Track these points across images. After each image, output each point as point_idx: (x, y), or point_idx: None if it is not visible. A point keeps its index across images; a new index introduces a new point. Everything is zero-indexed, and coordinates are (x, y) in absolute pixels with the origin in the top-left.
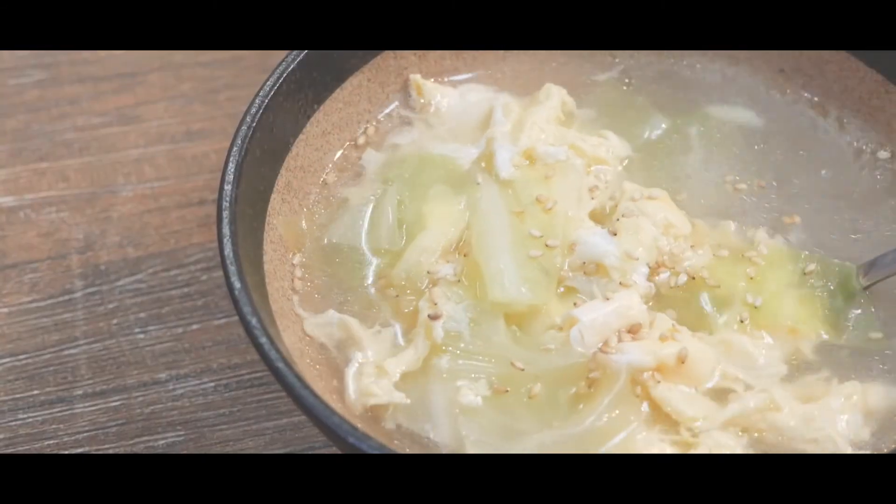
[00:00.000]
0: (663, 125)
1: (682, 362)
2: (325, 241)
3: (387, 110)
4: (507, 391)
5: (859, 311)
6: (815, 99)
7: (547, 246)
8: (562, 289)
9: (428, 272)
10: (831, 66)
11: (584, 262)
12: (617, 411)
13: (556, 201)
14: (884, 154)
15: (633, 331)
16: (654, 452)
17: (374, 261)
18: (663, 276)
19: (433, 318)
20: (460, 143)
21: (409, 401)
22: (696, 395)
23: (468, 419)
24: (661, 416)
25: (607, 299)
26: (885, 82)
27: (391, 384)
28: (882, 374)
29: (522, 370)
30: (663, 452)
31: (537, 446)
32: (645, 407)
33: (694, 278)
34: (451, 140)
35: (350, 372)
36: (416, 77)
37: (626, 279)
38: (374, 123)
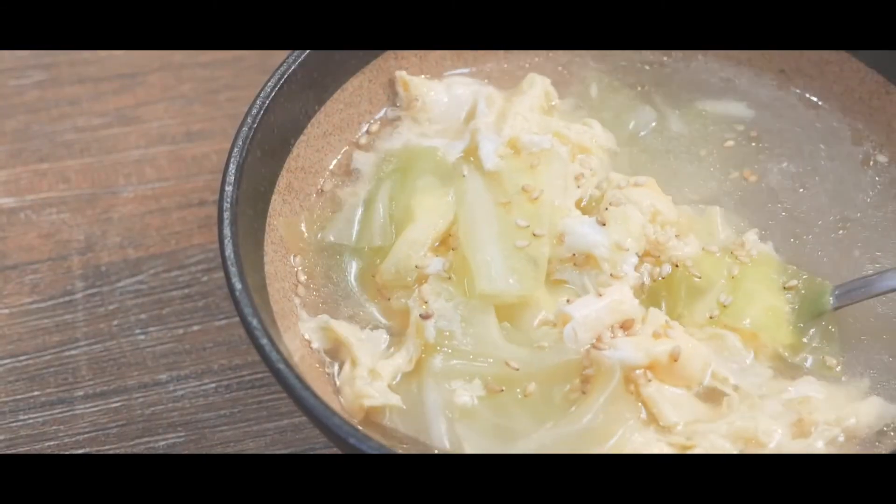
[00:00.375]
0: (653, 123)
1: (675, 360)
2: (320, 239)
3: (379, 112)
4: (502, 391)
5: (821, 333)
6: (815, 99)
7: (534, 235)
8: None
9: (417, 266)
10: (832, 67)
11: (574, 254)
12: (612, 409)
13: (542, 190)
14: (882, 158)
15: (626, 326)
16: (651, 451)
17: (367, 259)
18: (647, 266)
19: (424, 317)
20: (447, 137)
21: (403, 403)
22: (686, 397)
23: (464, 421)
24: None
25: (600, 295)
26: (886, 83)
27: (385, 386)
28: (870, 391)
29: (517, 370)
30: (660, 451)
31: (534, 447)
32: (639, 407)
33: (677, 266)
34: (439, 135)
35: (343, 375)
36: (401, 73)
37: (617, 270)
38: (368, 125)
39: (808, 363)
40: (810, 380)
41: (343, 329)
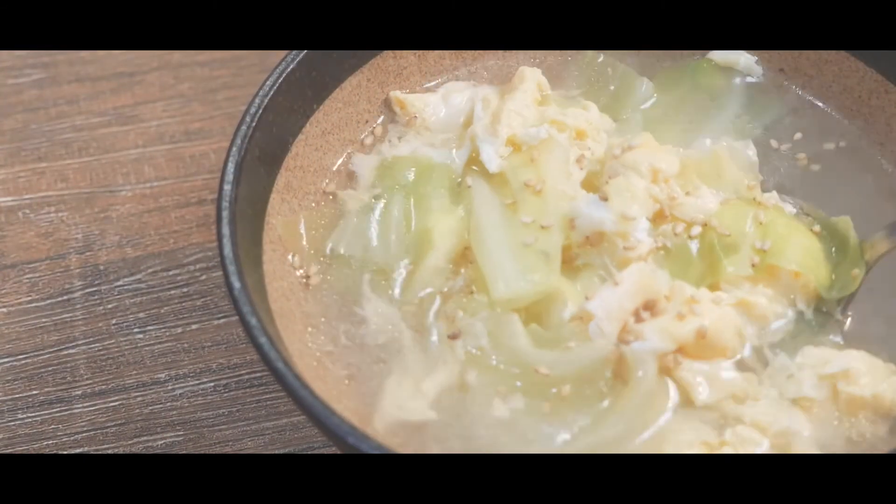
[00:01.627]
0: (652, 98)
1: (703, 338)
2: (329, 250)
3: (379, 115)
4: (539, 398)
5: (849, 275)
6: (814, 99)
7: (542, 228)
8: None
9: (441, 292)
10: (831, 66)
11: (588, 236)
12: (648, 402)
13: (544, 181)
14: (885, 162)
15: (650, 307)
16: (689, 440)
17: (385, 275)
18: (668, 226)
19: (452, 337)
20: (452, 148)
21: (447, 419)
22: (719, 371)
23: (507, 434)
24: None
25: (616, 284)
26: (885, 82)
27: (425, 404)
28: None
29: (547, 375)
30: (699, 440)
31: (577, 449)
32: (674, 392)
33: (706, 225)
34: (443, 147)
35: (389, 385)
36: (395, 93)
37: (629, 241)
38: (373, 128)
39: (838, 313)
40: (851, 352)
41: (405, 334)
